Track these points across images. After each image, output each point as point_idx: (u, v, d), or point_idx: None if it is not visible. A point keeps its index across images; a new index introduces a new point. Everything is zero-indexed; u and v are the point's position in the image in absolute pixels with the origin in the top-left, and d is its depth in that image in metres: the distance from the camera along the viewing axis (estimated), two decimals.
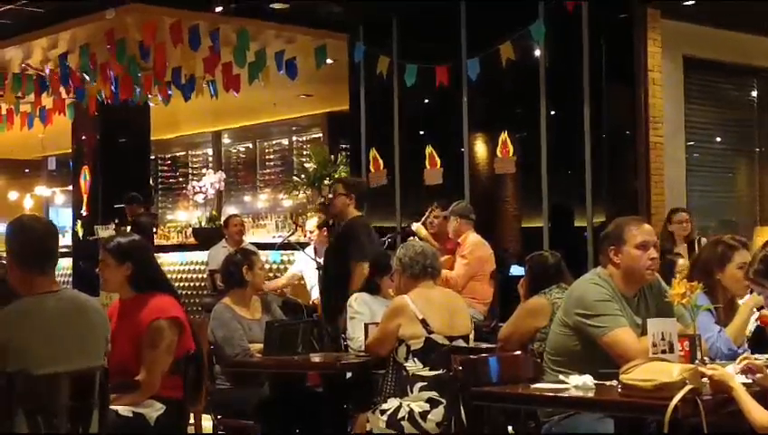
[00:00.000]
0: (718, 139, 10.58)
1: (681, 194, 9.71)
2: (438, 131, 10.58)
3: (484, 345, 5.78)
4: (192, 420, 5.17)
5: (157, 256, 5.28)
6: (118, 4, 10.04)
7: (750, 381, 3.61)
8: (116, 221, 11.85)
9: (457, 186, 10.02)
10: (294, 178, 14.72)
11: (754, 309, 4.66)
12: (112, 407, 4.06)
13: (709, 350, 4.30)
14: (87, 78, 11.28)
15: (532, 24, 9.14)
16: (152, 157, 16.26)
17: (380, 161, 10.72)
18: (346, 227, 7.10)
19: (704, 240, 6.19)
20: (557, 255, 5.76)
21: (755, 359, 3.80)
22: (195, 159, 18.95)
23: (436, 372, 5.02)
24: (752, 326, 4.81)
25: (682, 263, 5.97)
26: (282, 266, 11.07)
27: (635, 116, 9.29)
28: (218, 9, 10.26)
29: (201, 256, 11.22)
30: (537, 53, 9.64)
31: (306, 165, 14.29)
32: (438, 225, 8.50)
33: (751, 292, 4.60)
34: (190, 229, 12.97)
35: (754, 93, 10.82)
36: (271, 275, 10.55)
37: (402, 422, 4.95)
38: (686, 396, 3.33)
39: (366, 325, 5.53)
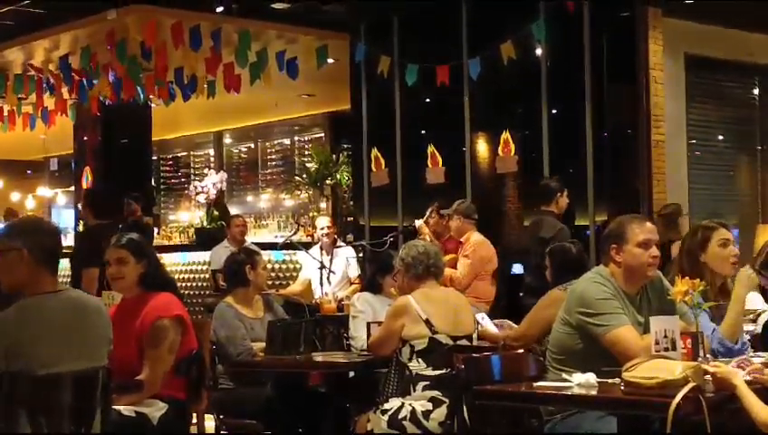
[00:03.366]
0: (720, 137, 10.57)
1: (683, 192, 9.70)
2: (440, 131, 10.57)
3: (488, 344, 5.78)
4: (195, 420, 5.15)
5: (159, 257, 5.29)
6: (119, 5, 10.05)
7: (752, 378, 3.61)
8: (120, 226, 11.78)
9: (459, 185, 10.02)
10: (296, 178, 14.77)
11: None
12: (115, 407, 4.06)
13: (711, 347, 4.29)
14: (85, 82, 11.28)
15: (533, 23, 9.15)
16: (154, 157, 16.26)
17: (382, 161, 10.73)
18: (79, 234, 7.92)
19: None
20: (579, 244, 5.84)
21: (752, 357, 3.80)
22: (196, 160, 18.96)
23: (440, 372, 5.02)
24: (761, 321, 4.80)
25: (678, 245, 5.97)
26: (284, 266, 11.07)
27: (636, 114, 9.29)
28: (219, 9, 10.27)
29: (203, 256, 11.23)
30: (538, 51, 9.64)
31: (308, 165, 14.34)
32: (438, 224, 8.51)
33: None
34: (192, 229, 12.97)
35: (756, 91, 10.81)
36: (273, 274, 10.56)
37: (404, 422, 4.95)
38: (688, 394, 3.33)
39: (368, 324, 5.54)
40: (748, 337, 4.62)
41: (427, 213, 8.61)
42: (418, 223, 8.44)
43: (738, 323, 4.43)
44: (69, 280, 8.60)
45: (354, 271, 9.17)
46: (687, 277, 3.94)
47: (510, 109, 10.13)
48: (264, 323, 5.78)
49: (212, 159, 18.43)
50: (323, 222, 9.33)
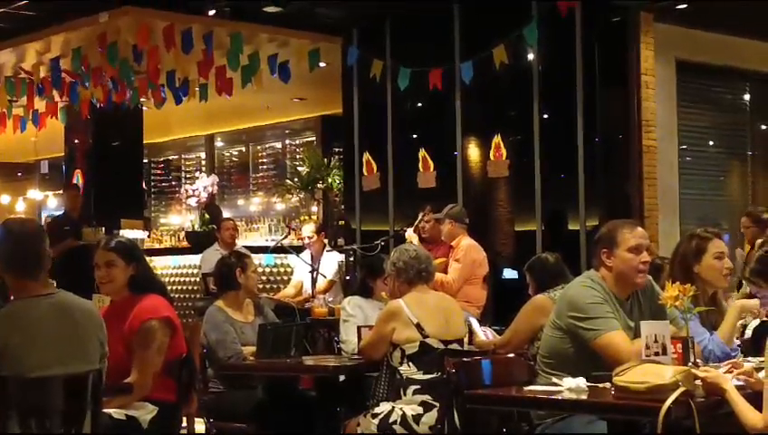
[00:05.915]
0: (711, 142, 10.59)
1: (674, 197, 9.73)
2: (432, 135, 10.57)
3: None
4: (185, 423, 5.14)
5: (149, 260, 5.30)
6: (111, 7, 10.03)
7: (742, 383, 3.62)
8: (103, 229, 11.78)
9: (451, 189, 10.02)
10: (287, 181, 14.73)
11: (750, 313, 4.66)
12: (105, 410, 4.04)
13: (702, 352, 4.29)
14: (77, 84, 11.26)
15: (525, 28, 9.16)
16: (145, 160, 16.23)
17: (374, 165, 10.73)
18: None
19: None
20: (556, 255, 5.84)
21: (743, 361, 3.80)
22: (188, 163, 18.93)
23: (431, 376, 5.01)
24: (751, 326, 4.81)
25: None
26: (275, 270, 11.06)
27: (628, 119, 9.30)
28: (212, 12, 10.25)
29: (194, 259, 11.21)
30: (530, 56, 9.64)
31: (299, 168, 14.30)
32: (431, 229, 8.51)
33: (739, 286, 4.59)
34: (183, 233, 12.96)
35: (747, 97, 10.84)
36: (264, 278, 10.54)
37: (394, 426, 4.94)
38: (679, 398, 3.34)
39: (359, 328, 5.53)
40: (738, 342, 4.64)
41: (419, 217, 8.60)
42: (408, 233, 8.42)
43: (732, 332, 4.45)
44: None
45: (331, 274, 9.19)
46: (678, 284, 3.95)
47: (502, 113, 10.12)
48: (254, 327, 5.78)
49: (203, 162, 18.40)
50: (307, 231, 9.37)
